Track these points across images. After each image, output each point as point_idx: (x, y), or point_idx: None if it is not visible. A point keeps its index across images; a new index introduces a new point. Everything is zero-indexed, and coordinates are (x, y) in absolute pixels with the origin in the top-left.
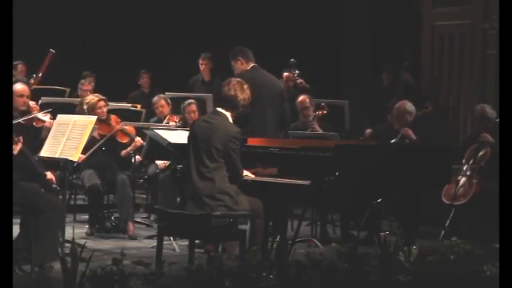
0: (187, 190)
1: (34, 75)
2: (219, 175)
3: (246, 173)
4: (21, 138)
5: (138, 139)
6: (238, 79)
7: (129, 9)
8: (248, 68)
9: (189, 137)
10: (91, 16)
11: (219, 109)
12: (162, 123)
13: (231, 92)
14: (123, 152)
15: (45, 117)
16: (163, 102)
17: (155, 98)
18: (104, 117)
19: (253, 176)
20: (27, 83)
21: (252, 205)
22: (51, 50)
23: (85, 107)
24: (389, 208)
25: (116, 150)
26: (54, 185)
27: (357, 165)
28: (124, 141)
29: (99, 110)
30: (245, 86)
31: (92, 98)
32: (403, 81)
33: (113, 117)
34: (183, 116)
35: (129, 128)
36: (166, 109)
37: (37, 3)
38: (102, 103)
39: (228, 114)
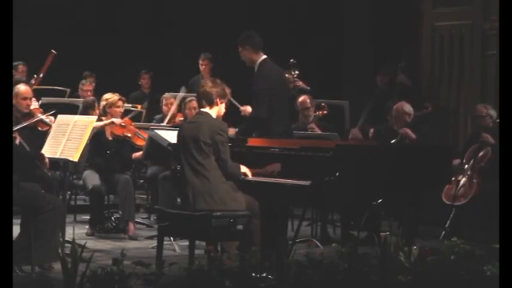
0: (185, 191)
1: (35, 75)
2: (211, 170)
3: (244, 169)
4: (16, 135)
5: None
6: (213, 78)
7: (130, 9)
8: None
9: (178, 140)
10: (91, 16)
11: (201, 109)
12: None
13: (201, 89)
14: (135, 155)
15: (48, 119)
16: (173, 100)
17: (165, 95)
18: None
19: (252, 175)
20: (28, 84)
21: (248, 204)
22: (52, 50)
23: (103, 103)
24: (389, 208)
25: (123, 151)
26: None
27: (357, 165)
28: (140, 145)
29: (117, 109)
30: (218, 81)
31: (111, 95)
32: (399, 83)
33: (126, 119)
34: (183, 112)
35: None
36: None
37: (37, 3)
38: (121, 102)
39: (211, 112)
